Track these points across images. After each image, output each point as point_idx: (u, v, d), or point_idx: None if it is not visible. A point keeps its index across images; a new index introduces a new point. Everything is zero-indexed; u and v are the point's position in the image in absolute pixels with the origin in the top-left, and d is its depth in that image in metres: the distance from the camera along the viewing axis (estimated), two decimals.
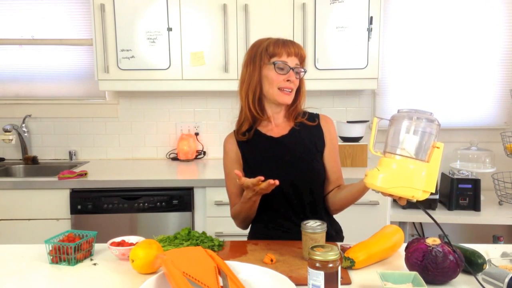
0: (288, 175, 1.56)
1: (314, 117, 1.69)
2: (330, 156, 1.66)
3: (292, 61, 1.55)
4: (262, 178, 1.40)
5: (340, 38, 2.71)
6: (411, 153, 1.17)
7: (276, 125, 1.65)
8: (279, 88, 1.55)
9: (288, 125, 1.66)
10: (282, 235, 1.60)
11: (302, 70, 1.59)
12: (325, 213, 1.66)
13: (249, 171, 1.62)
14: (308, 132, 1.65)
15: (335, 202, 1.64)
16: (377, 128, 1.26)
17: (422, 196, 1.18)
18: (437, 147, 1.17)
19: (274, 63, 1.54)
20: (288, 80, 1.54)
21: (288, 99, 1.57)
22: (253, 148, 1.63)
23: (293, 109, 1.65)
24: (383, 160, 1.21)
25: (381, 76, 2.82)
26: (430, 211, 2.73)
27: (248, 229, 1.75)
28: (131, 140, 3.19)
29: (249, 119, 1.63)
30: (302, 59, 1.58)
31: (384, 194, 1.22)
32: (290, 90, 1.56)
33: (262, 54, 1.56)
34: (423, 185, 1.17)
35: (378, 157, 1.24)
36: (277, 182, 1.40)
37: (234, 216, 1.67)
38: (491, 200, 2.87)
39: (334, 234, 1.68)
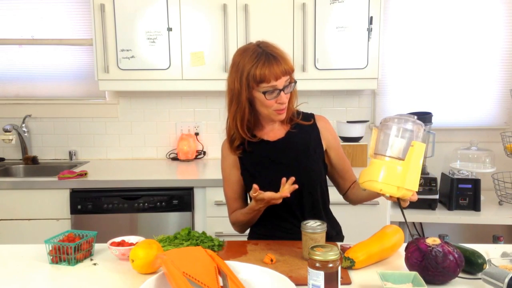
0: (286, 178, 1.55)
1: (309, 116, 1.67)
2: (337, 155, 1.67)
3: (281, 82, 1.49)
4: (287, 194, 1.42)
5: (340, 38, 2.71)
6: (391, 153, 1.24)
7: (271, 129, 1.64)
8: (274, 110, 1.52)
9: (283, 128, 1.64)
10: (282, 235, 1.60)
11: (292, 84, 1.53)
12: (325, 214, 1.66)
13: (246, 175, 1.62)
14: (304, 134, 1.63)
15: (356, 200, 1.69)
16: (376, 137, 1.33)
17: (397, 192, 1.23)
18: (411, 145, 1.22)
19: (264, 92, 1.49)
20: (279, 103, 1.51)
21: (283, 116, 1.56)
22: (250, 153, 1.62)
23: (286, 112, 1.62)
24: (371, 161, 1.29)
25: (381, 76, 2.82)
26: (430, 211, 2.74)
27: (248, 230, 1.75)
28: (131, 140, 3.19)
29: (239, 137, 1.60)
30: (290, 73, 1.52)
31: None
32: (283, 109, 1.53)
33: (249, 79, 1.48)
34: (398, 181, 1.22)
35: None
36: (295, 186, 1.43)
37: (234, 222, 1.68)
38: (491, 200, 2.87)
39: (335, 234, 1.68)
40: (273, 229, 1.64)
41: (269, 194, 1.43)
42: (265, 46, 1.52)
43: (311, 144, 1.63)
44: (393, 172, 1.22)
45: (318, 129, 1.66)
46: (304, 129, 1.64)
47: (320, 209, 1.64)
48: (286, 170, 1.57)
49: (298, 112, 1.67)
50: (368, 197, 1.62)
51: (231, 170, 1.66)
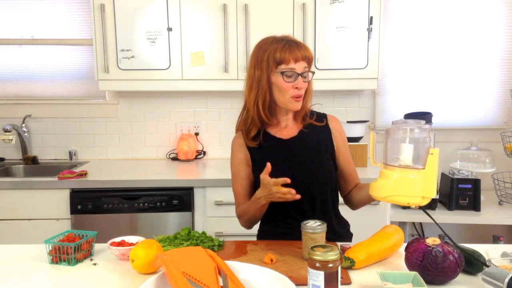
0: (298, 177, 1.55)
1: (322, 117, 1.68)
2: (344, 157, 1.68)
3: (300, 66, 1.52)
4: (288, 180, 1.41)
5: (340, 38, 2.71)
6: (408, 163, 1.23)
7: (285, 127, 1.65)
8: (291, 97, 1.53)
9: (297, 127, 1.65)
10: (292, 233, 1.59)
11: (310, 73, 1.56)
12: (334, 214, 1.67)
13: (258, 173, 1.62)
14: (316, 134, 1.64)
15: (356, 203, 1.68)
16: (375, 141, 1.33)
17: (422, 202, 1.24)
18: (431, 154, 1.22)
19: (282, 73, 1.51)
20: (297, 88, 1.52)
21: (299, 105, 1.56)
22: (262, 150, 1.63)
23: (301, 111, 1.63)
24: (383, 172, 1.28)
25: (381, 76, 2.82)
26: (429, 211, 2.73)
27: (258, 227, 1.75)
28: (131, 140, 3.19)
29: (257, 124, 1.61)
30: (309, 61, 1.55)
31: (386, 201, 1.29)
32: (300, 97, 1.54)
33: (269, 60, 1.52)
34: (421, 191, 1.22)
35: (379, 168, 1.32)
36: (298, 196, 1.42)
37: (240, 215, 1.68)
38: (491, 200, 2.87)
39: (344, 232, 1.70)
40: (283, 227, 1.64)
41: (274, 180, 1.42)
42: (285, 36, 1.57)
43: (322, 144, 1.64)
44: (417, 183, 1.22)
45: (330, 130, 1.67)
46: (316, 129, 1.65)
47: (330, 208, 1.65)
48: (297, 169, 1.57)
49: (312, 112, 1.68)
50: (367, 201, 1.61)
51: (241, 166, 1.66)
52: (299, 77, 1.51)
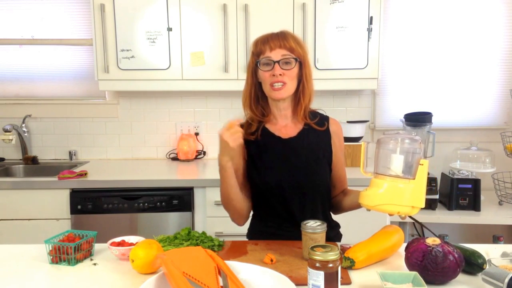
0: (292, 178, 1.55)
1: (324, 120, 1.67)
2: (338, 163, 1.67)
3: (277, 54, 1.51)
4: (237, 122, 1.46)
5: (340, 38, 2.71)
6: (398, 173, 1.26)
7: (284, 125, 1.64)
8: (270, 85, 1.53)
9: (296, 127, 1.64)
10: (281, 233, 1.59)
11: (291, 58, 1.52)
12: (323, 218, 1.66)
13: (253, 168, 1.62)
14: (316, 137, 1.63)
15: (339, 208, 1.69)
16: (366, 152, 1.36)
17: (411, 211, 1.27)
18: (421, 164, 1.24)
19: (258, 62, 1.55)
20: (273, 75, 1.51)
21: (279, 93, 1.54)
22: (260, 146, 1.62)
23: (298, 108, 1.61)
24: (373, 181, 1.30)
25: (381, 76, 2.81)
26: (430, 211, 2.74)
27: (248, 225, 1.75)
28: (131, 140, 3.19)
29: (255, 120, 1.64)
30: (290, 49, 1.52)
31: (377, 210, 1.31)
32: (280, 85, 1.52)
33: (252, 56, 1.58)
34: (411, 201, 1.26)
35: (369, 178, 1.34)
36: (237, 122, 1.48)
37: (222, 201, 1.65)
38: (491, 200, 2.87)
39: (333, 235, 1.69)
40: (272, 227, 1.63)
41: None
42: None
43: (321, 148, 1.63)
44: (407, 193, 1.24)
45: (330, 134, 1.65)
46: (317, 132, 1.63)
47: (319, 212, 1.63)
48: (292, 169, 1.57)
49: (315, 114, 1.67)
50: (352, 207, 1.61)
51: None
52: (276, 64, 1.51)
